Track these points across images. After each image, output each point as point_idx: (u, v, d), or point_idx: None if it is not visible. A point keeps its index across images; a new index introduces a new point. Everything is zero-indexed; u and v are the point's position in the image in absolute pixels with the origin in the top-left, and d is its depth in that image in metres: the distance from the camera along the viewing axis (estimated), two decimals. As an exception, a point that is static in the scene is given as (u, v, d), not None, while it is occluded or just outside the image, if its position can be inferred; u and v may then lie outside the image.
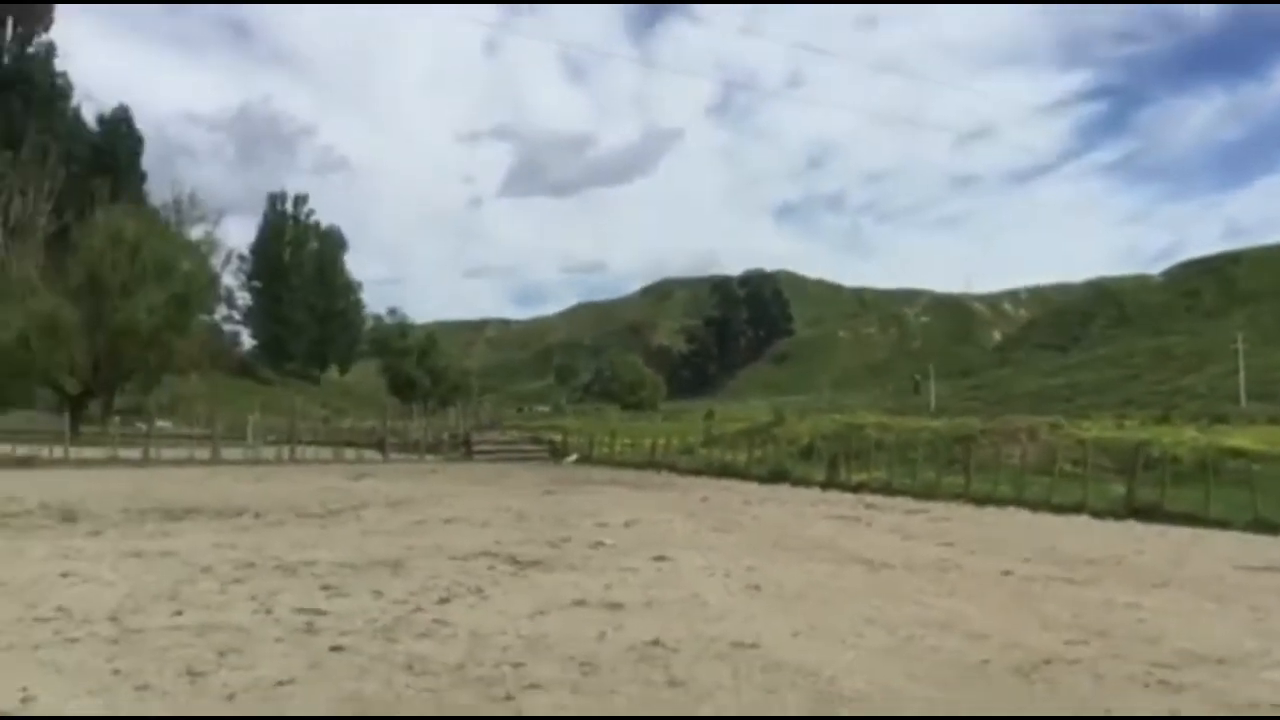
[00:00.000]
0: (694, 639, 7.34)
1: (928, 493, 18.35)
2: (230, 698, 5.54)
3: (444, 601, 8.33)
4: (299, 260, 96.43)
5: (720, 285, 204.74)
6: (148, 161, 78.44)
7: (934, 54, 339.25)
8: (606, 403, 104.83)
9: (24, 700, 5.29)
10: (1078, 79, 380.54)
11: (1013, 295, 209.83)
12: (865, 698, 5.96)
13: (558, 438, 30.88)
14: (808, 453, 25.10)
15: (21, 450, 21.76)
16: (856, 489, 19.78)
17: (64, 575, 8.84)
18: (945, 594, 9.27)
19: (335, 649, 6.68)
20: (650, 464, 25.89)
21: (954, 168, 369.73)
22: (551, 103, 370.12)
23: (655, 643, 7.13)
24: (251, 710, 5.33)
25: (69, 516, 12.84)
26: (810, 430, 30.00)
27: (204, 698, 5.54)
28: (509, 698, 5.75)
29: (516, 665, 6.45)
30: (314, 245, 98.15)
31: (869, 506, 17.22)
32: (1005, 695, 6.01)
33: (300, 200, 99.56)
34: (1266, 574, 10.75)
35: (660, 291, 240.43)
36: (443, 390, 79.78)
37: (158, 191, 65.66)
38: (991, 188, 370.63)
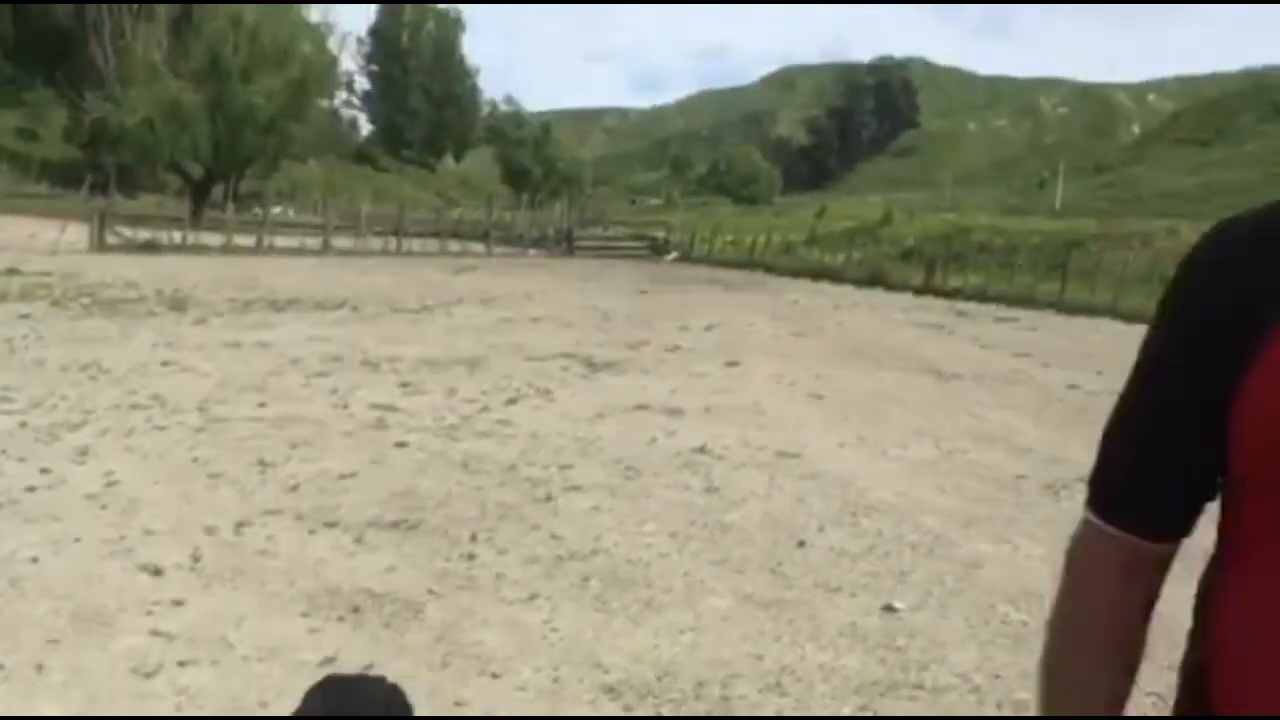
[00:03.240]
0: (741, 446, 7.61)
1: (1023, 300, 18.06)
2: (294, 488, 6.04)
3: (512, 402, 8.75)
4: (416, 43, 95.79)
5: (846, 73, 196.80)
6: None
7: None
8: (720, 196, 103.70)
9: (108, 485, 5.86)
10: None
11: (1159, 85, 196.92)
12: (890, 509, 6.18)
13: (660, 234, 30.96)
14: (909, 255, 24.73)
15: (144, 235, 22.83)
16: (951, 295, 19.58)
17: (164, 364, 9.50)
18: (1004, 407, 9.34)
19: (399, 445, 7.14)
20: (749, 264, 25.89)
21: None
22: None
23: (702, 449, 7.43)
24: (310, 500, 5.81)
25: (179, 305, 13.63)
26: (917, 231, 29.47)
27: (270, 487, 6.04)
28: (549, 499, 6.13)
29: (564, 467, 6.82)
30: (430, 27, 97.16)
31: (959, 314, 17.09)
32: (1026, 510, 6.16)
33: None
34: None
35: (784, 80, 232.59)
36: (555, 181, 79.99)
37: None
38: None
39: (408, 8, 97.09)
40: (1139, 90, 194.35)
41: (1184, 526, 1.05)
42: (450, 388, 9.17)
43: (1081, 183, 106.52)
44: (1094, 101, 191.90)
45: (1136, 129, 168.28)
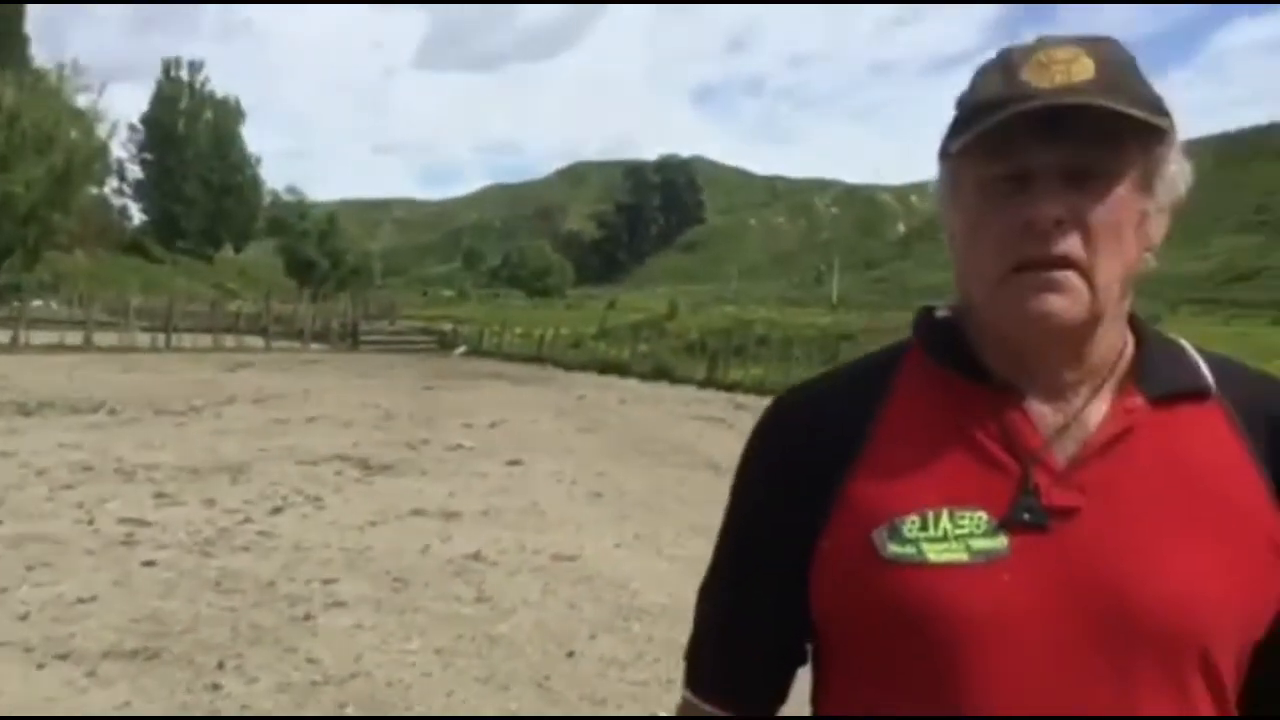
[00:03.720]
0: (518, 551, 7.50)
1: (799, 393, 18.77)
2: (24, 617, 5.53)
3: (276, 511, 8.36)
4: (193, 131, 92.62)
5: (634, 170, 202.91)
6: (32, 23, 73.98)
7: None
8: (514, 288, 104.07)
9: None
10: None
11: (920, 188, 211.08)
12: (662, 611, 6.18)
13: (448, 328, 30.70)
14: (694, 349, 25.40)
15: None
16: (731, 388, 20.15)
17: (-115, 480, 8.65)
18: (778, 503, 9.58)
19: (147, 564, 6.68)
20: (538, 358, 25.98)
21: (875, 54, 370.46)
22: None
23: (476, 556, 7.27)
24: (41, 630, 5.34)
25: (-89, 411, 12.50)
26: (701, 324, 30.31)
27: (-5, 618, 5.52)
28: (308, 617, 5.83)
29: (328, 581, 6.53)
30: (208, 116, 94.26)
31: (739, 407, 17.57)
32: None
33: (196, 67, 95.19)
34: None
35: (574, 175, 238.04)
36: (343, 273, 78.35)
37: (46, 55, 62.27)
38: (909, 78, 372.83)
39: (184, 95, 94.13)
40: (903, 191, 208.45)
41: (780, 696, 1.04)
42: (209, 498, 8.69)
43: (855, 276, 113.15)
44: (862, 201, 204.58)
45: (902, 228, 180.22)
